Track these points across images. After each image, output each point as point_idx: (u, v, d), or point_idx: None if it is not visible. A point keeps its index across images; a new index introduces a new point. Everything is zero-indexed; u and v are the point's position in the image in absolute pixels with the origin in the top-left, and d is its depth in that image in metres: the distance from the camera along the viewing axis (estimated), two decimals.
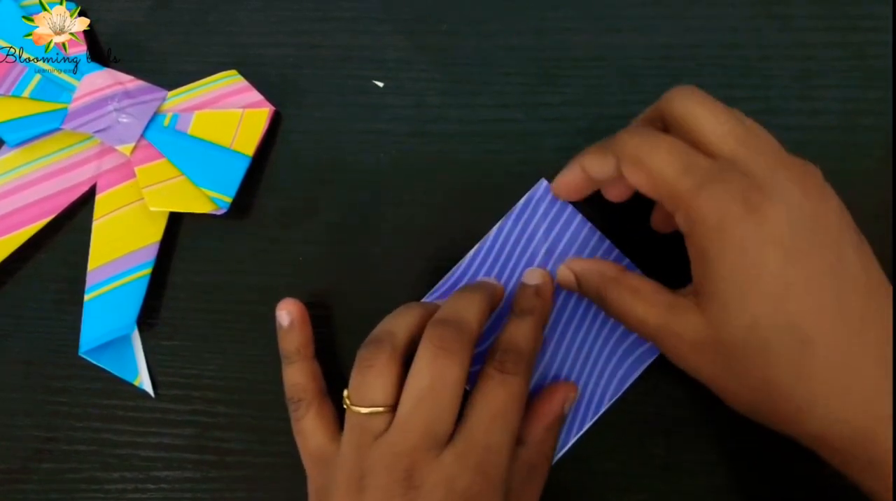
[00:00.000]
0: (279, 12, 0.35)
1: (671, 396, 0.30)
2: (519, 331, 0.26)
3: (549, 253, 0.30)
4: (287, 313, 0.29)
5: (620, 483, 0.29)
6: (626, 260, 0.30)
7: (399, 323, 0.26)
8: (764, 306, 0.22)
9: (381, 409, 0.24)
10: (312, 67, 0.34)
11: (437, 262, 0.31)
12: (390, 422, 0.24)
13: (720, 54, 0.33)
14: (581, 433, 0.28)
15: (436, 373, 0.24)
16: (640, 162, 0.24)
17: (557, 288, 0.30)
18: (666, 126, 0.26)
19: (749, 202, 0.22)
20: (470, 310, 0.26)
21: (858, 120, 0.32)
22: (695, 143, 0.24)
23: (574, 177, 0.28)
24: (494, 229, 0.31)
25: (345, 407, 0.26)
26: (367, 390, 0.25)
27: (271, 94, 0.33)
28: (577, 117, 0.33)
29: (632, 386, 0.29)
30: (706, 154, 0.24)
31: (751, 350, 0.23)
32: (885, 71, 0.32)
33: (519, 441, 0.27)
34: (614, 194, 0.29)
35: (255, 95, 0.33)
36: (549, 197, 0.31)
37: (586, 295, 0.28)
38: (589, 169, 0.27)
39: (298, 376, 0.29)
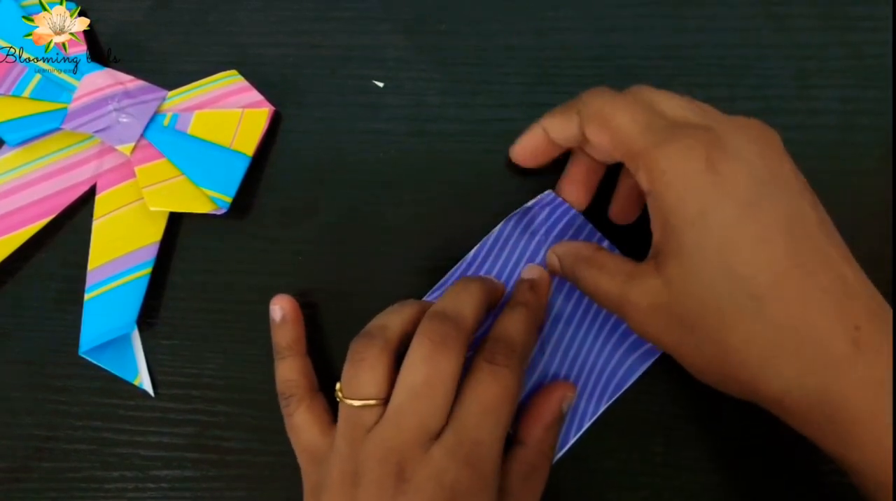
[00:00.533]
0: (279, 12, 0.35)
1: (670, 394, 0.30)
2: (511, 323, 0.26)
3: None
4: (280, 308, 0.29)
5: (620, 481, 0.29)
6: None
7: (392, 318, 0.26)
8: (717, 262, 0.22)
9: (372, 402, 0.24)
10: (312, 67, 0.34)
11: (437, 262, 0.31)
12: (381, 415, 0.24)
13: (719, 54, 0.33)
14: (581, 433, 0.28)
15: (431, 368, 0.24)
16: (604, 120, 0.25)
17: (558, 288, 0.30)
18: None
19: (709, 158, 0.23)
20: (467, 304, 0.26)
21: (857, 119, 0.32)
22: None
23: (535, 140, 0.28)
24: (496, 230, 0.31)
25: (337, 399, 0.26)
26: (358, 383, 0.25)
27: (271, 94, 0.34)
28: None
29: (631, 384, 0.29)
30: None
31: (705, 310, 0.23)
32: (884, 70, 0.32)
33: (518, 441, 0.27)
34: (621, 216, 0.29)
35: (255, 95, 0.33)
36: (554, 203, 0.31)
37: (566, 277, 0.28)
38: (551, 130, 0.27)
39: (289, 372, 0.29)
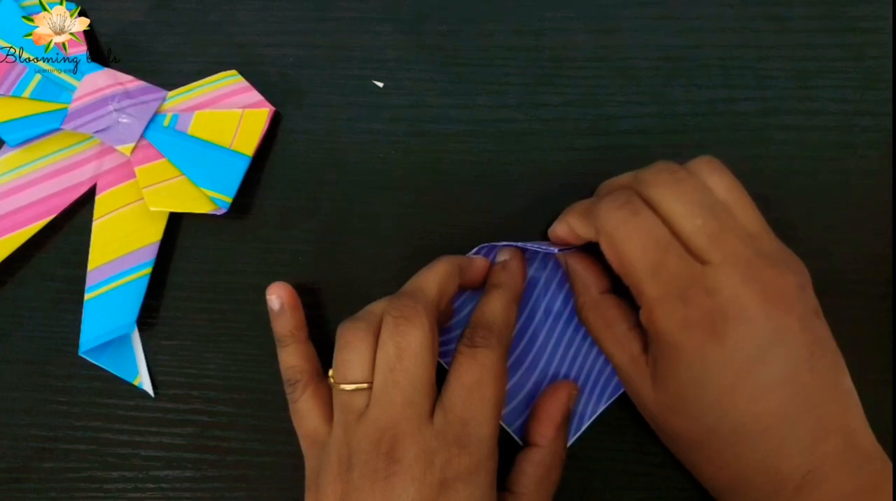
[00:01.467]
0: (279, 12, 0.35)
1: None
2: (487, 306, 0.27)
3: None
4: (276, 297, 0.29)
5: (619, 481, 0.29)
6: None
7: (379, 304, 0.27)
8: (711, 411, 0.23)
9: (363, 385, 0.25)
10: (312, 67, 0.34)
11: None
12: (370, 398, 0.24)
13: (719, 55, 0.33)
14: (580, 432, 0.28)
15: (399, 341, 0.24)
16: (615, 245, 0.25)
17: (558, 290, 0.30)
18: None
19: (710, 327, 0.23)
20: (427, 280, 0.26)
21: (857, 120, 0.32)
22: (670, 228, 0.24)
23: (563, 231, 0.28)
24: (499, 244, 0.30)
25: (331, 386, 0.26)
26: (347, 367, 0.25)
27: (271, 94, 0.33)
28: (577, 117, 0.33)
29: None
30: (679, 238, 0.24)
31: (692, 432, 0.24)
32: (884, 71, 0.32)
33: (531, 443, 0.27)
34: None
35: (255, 95, 0.33)
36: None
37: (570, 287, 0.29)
38: (574, 229, 0.27)
39: (293, 358, 0.29)
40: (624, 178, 0.27)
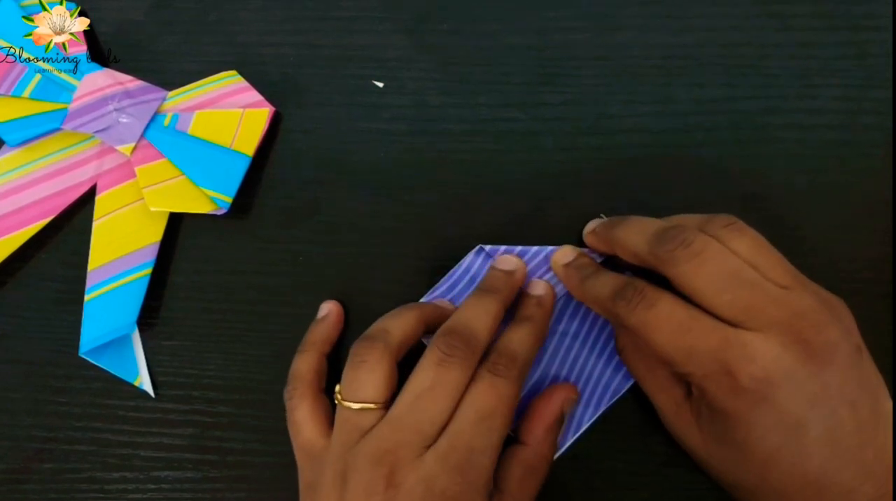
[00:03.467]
0: (279, 12, 0.35)
1: None
2: (516, 336, 0.27)
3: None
4: (327, 308, 0.30)
5: (620, 481, 0.29)
6: None
7: (395, 322, 0.27)
8: (753, 468, 0.23)
9: (371, 406, 0.25)
10: (312, 67, 0.34)
11: (437, 262, 0.31)
12: (379, 420, 0.24)
13: (720, 53, 0.33)
14: (579, 433, 0.28)
15: (439, 377, 0.24)
16: (646, 340, 0.24)
17: (558, 291, 0.30)
18: (641, 261, 0.26)
19: (758, 393, 0.23)
20: (480, 319, 0.26)
21: (859, 119, 0.32)
22: (699, 304, 0.24)
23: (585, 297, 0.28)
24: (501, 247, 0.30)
25: (336, 402, 0.26)
26: (358, 386, 0.25)
27: (271, 94, 0.33)
28: (578, 117, 0.33)
29: (630, 386, 0.29)
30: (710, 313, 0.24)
31: (731, 477, 0.25)
32: (886, 70, 0.32)
33: (518, 441, 0.27)
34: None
35: (255, 95, 0.33)
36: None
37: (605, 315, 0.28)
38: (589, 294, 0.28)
39: (304, 365, 0.29)
40: (639, 243, 0.26)
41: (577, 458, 0.29)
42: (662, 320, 0.24)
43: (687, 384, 0.26)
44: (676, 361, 0.24)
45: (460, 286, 0.30)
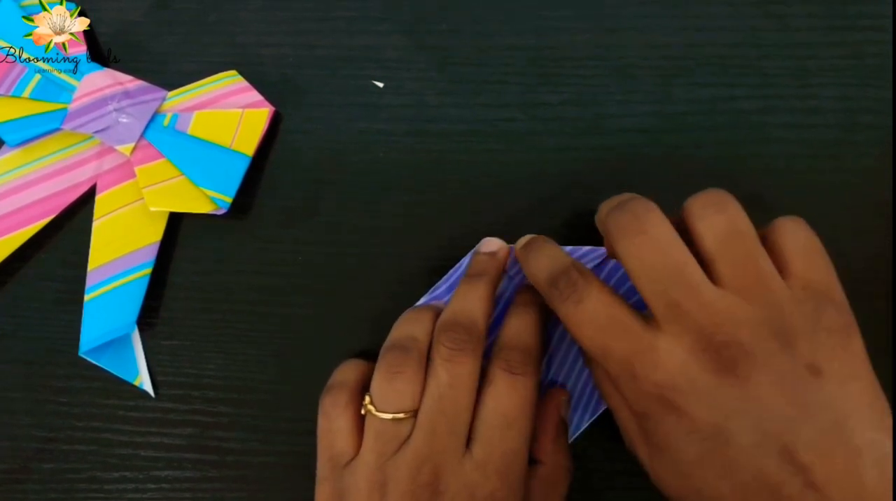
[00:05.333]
0: (279, 12, 0.35)
1: None
2: (522, 327, 0.26)
3: None
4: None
5: (619, 481, 0.29)
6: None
7: (419, 328, 0.26)
8: (690, 487, 0.22)
9: (406, 415, 0.25)
10: (312, 67, 0.34)
11: (437, 262, 0.31)
12: (413, 428, 0.24)
13: (719, 53, 0.33)
14: (577, 435, 0.28)
15: (452, 372, 0.24)
16: (569, 330, 0.24)
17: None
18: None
19: (666, 401, 0.22)
20: (476, 306, 0.26)
21: (857, 118, 0.32)
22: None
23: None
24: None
25: (363, 413, 0.25)
26: (396, 396, 0.25)
27: (271, 94, 0.33)
28: (577, 117, 0.33)
29: None
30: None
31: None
32: (884, 69, 0.32)
33: (534, 460, 0.27)
34: None
35: (255, 95, 0.33)
36: (617, 269, 0.30)
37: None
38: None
39: (352, 374, 0.27)
40: (602, 210, 0.26)
41: (577, 458, 0.29)
42: (586, 318, 0.23)
43: None
44: (596, 360, 0.24)
45: (464, 277, 0.30)
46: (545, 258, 0.26)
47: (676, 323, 0.22)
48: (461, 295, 0.27)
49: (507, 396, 0.24)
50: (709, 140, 0.32)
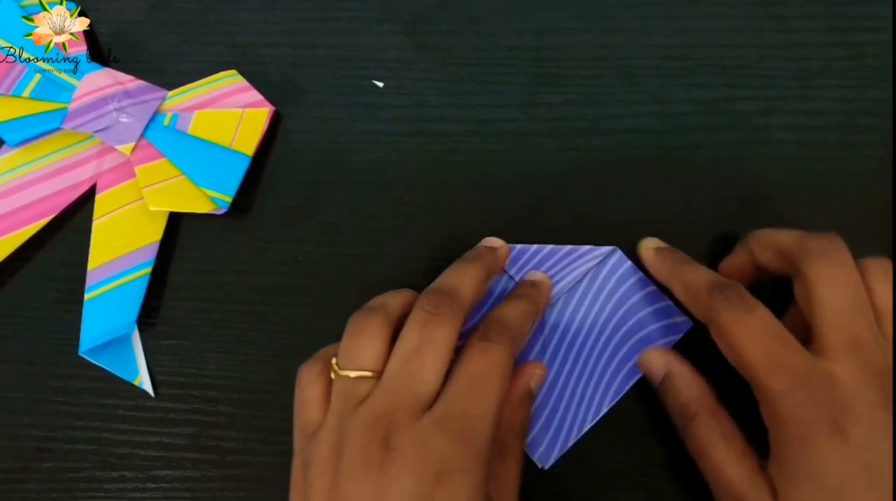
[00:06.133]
0: (279, 12, 0.35)
1: None
2: (507, 309, 0.27)
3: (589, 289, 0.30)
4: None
5: (619, 482, 0.29)
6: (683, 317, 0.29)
7: (393, 297, 0.27)
8: None
9: (368, 373, 0.24)
10: (312, 67, 0.34)
11: (437, 262, 0.31)
12: (375, 387, 0.24)
13: (719, 54, 0.33)
14: (580, 435, 0.28)
15: (425, 334, 0.24)
16: (729, 342, 0.24)
17: (557, 290, 0.30)
18: (781, 260, 0.26)
19: (835, 423, 0.22)
20: (464, 281, 0.26)
21: (858, 120, 0.32)
22: (809, 315, 0.24)
23: (661, 275, 0.28)
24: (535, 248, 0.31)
25: (332, 375, 0.25)
26: (357, 353, 0.25)
27: (271, 94, 0.33)
28: (577, 117, 0.33)
29: (630, 386, 0.29)
30: (813, 330, 0.23)
31: None
32: (885, 71, 0.32)
33: None
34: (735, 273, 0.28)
35: (255, 95, 0.33)
36: (618, 267, 0.30)
37: (669, 396, 0.27)
38: (676, 294, 0.27)
39: (333, 349, 0.27)
40: (788, 237, 0.26)
41: (576, 459, 0.29)
42: (757, 326, 0.23)
43: (758, 456, 0.25)
44: (759, 371, 0.23)
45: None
46: (703, 270, 0.26)
47: (853, 355, 0.23)
48: (451, 271, 0.27)
49: (476, 358, 0.24)
50: (709, 140, 0.32)
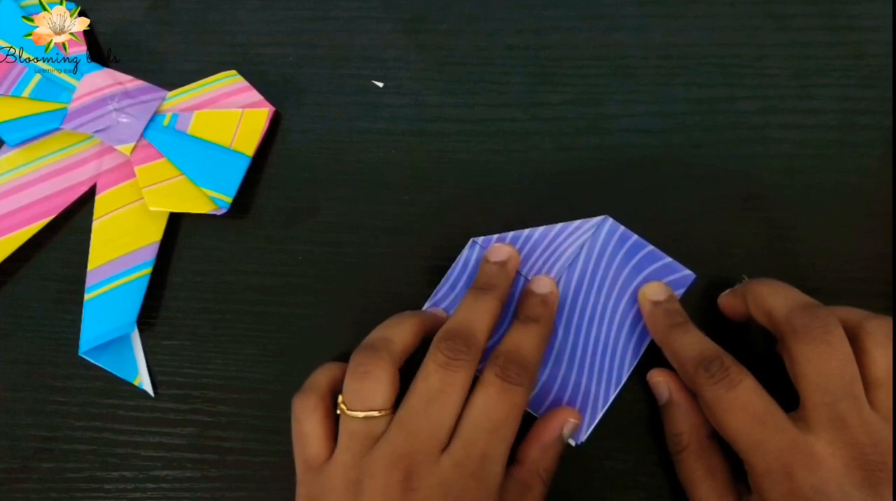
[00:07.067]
0: (279, 12, 0.35)
1: None
2: (524, 340, 0.27)
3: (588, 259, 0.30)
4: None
5: (620, 481, 0.29)
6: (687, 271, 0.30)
7: (394, 330, 0.27)
8: None
9: (379, 413, 0.25)
10: (312, 67, 0.34)
11: (437, 262, 0.31)
12: (388, 425, 0.24)
13: (719, 53, 0.33)
14: (607, 406, 0.28)
15: (447, 378, 0.25)
16: (713, 415, 0.24)
17: (566, 271, 0.30)
18: (771, 324, 0.26)
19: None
20: (480, 321, 0.26)
21: (857, 119, 0.32)
22: (790, 375, 0.24)
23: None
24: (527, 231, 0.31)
25: (339, 412, 0.26)
26: (364, 395, 0.25)
27: (271, 94, 0.34)
28: (577, 117, 0.33)
29: (630, 383, 0.29)
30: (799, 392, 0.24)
31: None
32: (884, 69, 0.32)
33: (514, 459, 0.27)
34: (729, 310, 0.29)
35: (255, 95, 0.33)
36: (613, 233, 0.30)
37: (667, 422, 0.28)
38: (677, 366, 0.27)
39: (323, 377, 0.27)
40: (779, 305, 0.25)
41: (576, 458, 0.29)
42: (739, 405, 0.24)
43: (741, 492, 0.26)
44: (741, 448, 0.24)
45: (461, 284, 0.30)
46: (692, 339, 0.26)
47: (836, 433, 0.23)
48: (467, 307, 0.27)
49: (498, 401, 0.25)
50: (708, 140, 0.32)
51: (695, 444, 0.27)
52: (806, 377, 0.24)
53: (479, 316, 0.27)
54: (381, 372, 0.25)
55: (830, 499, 0.22)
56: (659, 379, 0.28)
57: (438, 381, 0.25)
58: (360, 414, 0.25)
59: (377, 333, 0.27)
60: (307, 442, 0.26)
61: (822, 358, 0.24)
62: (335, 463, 0.25)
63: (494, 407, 0.24)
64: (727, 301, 0.29)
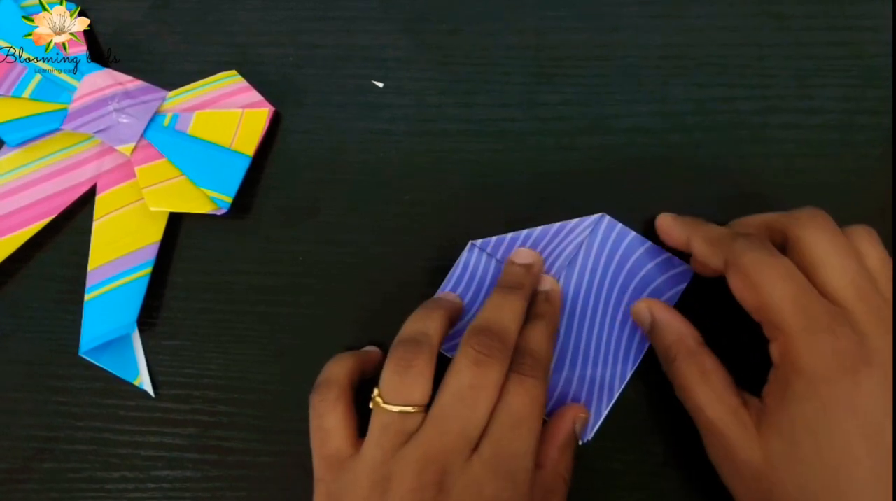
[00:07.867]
0: (279, 12, 0.35)
1: (670, 393, 0.30)
2: (534, 335, 0.27)
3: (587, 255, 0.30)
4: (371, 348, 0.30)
5: (620, 481, 0.29)
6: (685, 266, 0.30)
7: (431, 324, 0.26)
8: (823, 475, 0.22)
9: (413, 409, 0.24)
10: (312, 67, 0.34)
11: (437, 262, 0.31)
12: (422, 422, 0.24)
13: (719, 53, 0.33)
14: (613, 402, 0.28)
15: (478, 374, 0.24)
16: (753, 281, 0.24)
17: (565, 269, 0.30)
18: (784, 243, 0.25)
19: (850, 366, 0.22)
20: (510, 318, 0.26)
21: (857, 119, 0.32)
22: (811, 276, 0.24)
23: (679, 236, 0.28)
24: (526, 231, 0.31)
25: (372, 406, 0.25)
26: (405, 389, 0.25)
27: (271, 94, 0.34)
28: (577, 117, 0.33)
29: (630, 383, 0.29)
30: (819, 289, 0.24)
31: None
32: (884, 69, 0.32)
33: (535, 464, 0.26)
34: (704, 271, 0.28)
35: (255, 95, 0.33)
36: (611, 231, 0.30)
37: (655, 342, 0.28)
38: (695, 248, 0.27)
39: (340, 369, 0.27)
40: (770, 215, 0.27)
41: (576, 458, 0.29)
42: (784, 269, 0.23)
43: (742, 394, 0.25)
44: (783, 310, 0.23)
45: (462, 285, 0.30)
46: (724, 227, 0.27)
47: (866, 305, 0.23)
48: (495, 305, 0.27)
49: (518, 395, 0.25)
50: (708, 140, 0.32)
51: (684, 350, 0.26)
52: (823, 259, 0.24)
53: (508, 313, 0.27)
54: (424, 366, 0.25)
55: (868, 362, 0.22)
56: (640, 306, 0.28)
57: (470, 378, 0.24)
58: (396, 409, 0.24)
59: (413, 326, 0.26)
60: (329, 438, 0.26)
61: (834, 239, 0.24)
62: (362, 460, 0.24)
63: (515, 401, 0.24)
64: (667, 226, 0.29)
